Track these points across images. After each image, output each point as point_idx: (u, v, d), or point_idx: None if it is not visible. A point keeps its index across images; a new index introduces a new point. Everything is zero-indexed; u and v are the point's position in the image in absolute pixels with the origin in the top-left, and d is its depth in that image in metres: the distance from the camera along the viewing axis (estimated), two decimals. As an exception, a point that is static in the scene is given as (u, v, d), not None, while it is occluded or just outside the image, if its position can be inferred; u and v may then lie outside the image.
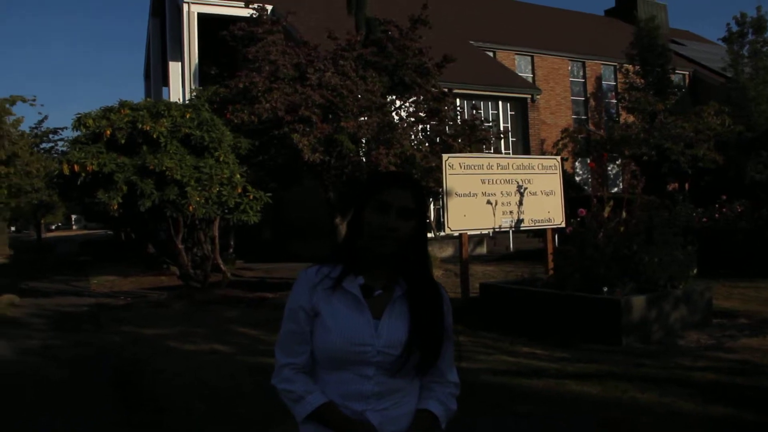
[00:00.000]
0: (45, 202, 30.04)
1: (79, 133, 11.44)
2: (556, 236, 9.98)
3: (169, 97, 24.58)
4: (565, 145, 21.55)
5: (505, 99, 23.11)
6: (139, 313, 10.70)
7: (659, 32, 25.95)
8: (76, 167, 10.57)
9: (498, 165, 9.38)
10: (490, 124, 17.84)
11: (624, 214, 8.12)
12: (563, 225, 9.59)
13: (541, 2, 35.18)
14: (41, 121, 29.49)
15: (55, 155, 27.53)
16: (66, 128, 39.56)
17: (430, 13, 13.87)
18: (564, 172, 10.47)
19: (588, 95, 28.18)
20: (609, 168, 25.67)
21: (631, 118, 24.05)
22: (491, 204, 9.07)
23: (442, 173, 8.97)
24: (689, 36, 37.33)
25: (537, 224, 9.69)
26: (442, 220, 9.47)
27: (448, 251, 16.19)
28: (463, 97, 20.21)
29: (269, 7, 15.32)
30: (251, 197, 11.66)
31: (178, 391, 5.90)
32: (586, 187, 24.77)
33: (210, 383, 6.07)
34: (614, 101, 28.07)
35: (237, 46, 14.37)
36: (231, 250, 19.16)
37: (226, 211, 11.53)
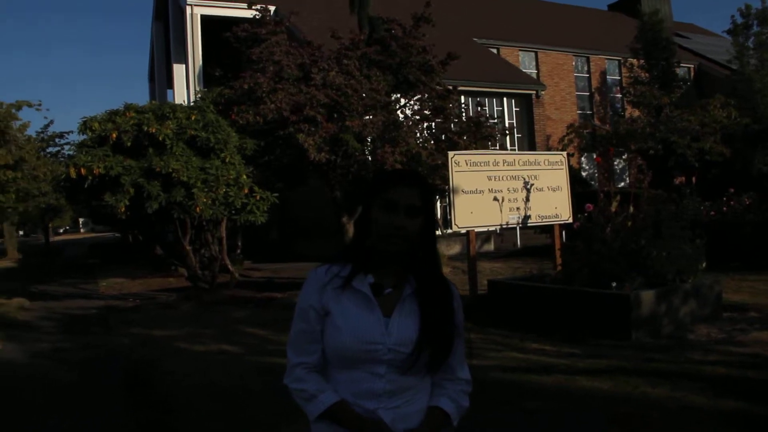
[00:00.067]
0: (52, 205, 30.19)
1: (85, 136, 11.48)
2: (564, 232, 9.94)
3: (174, 100, 24.64)
4: (571, 141, 21.47)
5: (509, 95, 23.08)
6: (147, 315, 10.73)
7: (663, 26, 25.83)
8: (82, 171, 10.60)
9: (504, 161, 9.36)
10: (495, 120, 17.80)
11: (631, 209, 8.09)
12: (570, 220, 9.56)
13: (545, -2, 35.10)
14: (47, 126, 29.65)
15: (62, 159, 27.66)
16: (72, 132, 39.67)
17: (433, 10, 13.87)
18: (570, 167, 10.43)
19: (593, 90, 28.10)
20: (615, 163, 25.57)
21: (636, 113, 23.95)
22: (498, 201, 9.05)
23: (448, 171, 8.97)
24: (693, 29, 37.17)
25: (544, 220, 9.66)
26: (449, 217, 9.45)
27: (456, 248, 16.18)
28: (467, 94, 20.17)
29: (272, 8, 15.35)
30: (258, 198, 11.68)
31: (188, 392, 5.92)
32: (592, 182, 24.69)
33: (219, 384, 6.08)
34: (619, 96, 27.99)
35: (241, 48, 14.39)
36: (238, 251, 19.17)
37: (233, 211, 11.55)
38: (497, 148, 15.80)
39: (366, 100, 12.31)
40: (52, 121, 43.84)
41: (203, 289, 12.54)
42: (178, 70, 25.82)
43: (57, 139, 29.89)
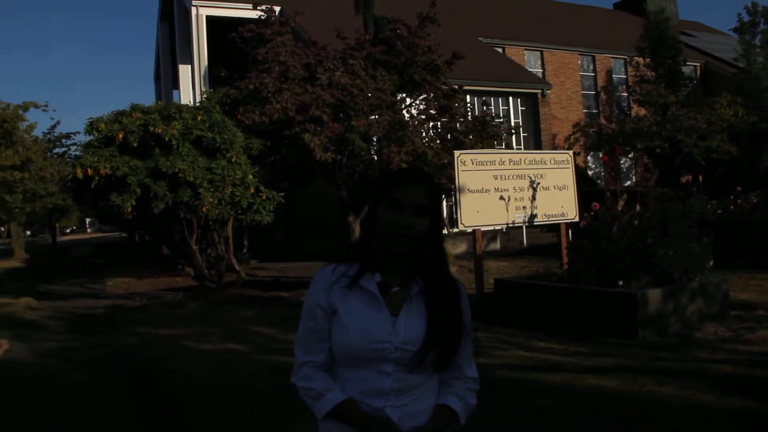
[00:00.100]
0: (59, 206, 30.34)
1: (91, 137, 11.52)
2: (570, 231, 9.93)
3: (180, 100, 24.71)
4: (577, 140, 21.44)
5: (515, 95, 23.06)
6: (154, 314, 10.77)
7: (669, 24, 25.74)
8: (89, 171, 10.65)
9: (510, 160, 9.35)
10: (501, 120, 17.79)
11: (638, 208, 8.08)
12: (577, 219, 9.55)
13: (550, -4, 35.02)
14: (54, 127, 29.85)
15: (69, 159, 27.77)
16: (78, 133, 39.76)
17: (439, 10, 13.86)
18: (576, 166, 10.42)
19: (599, 89, 28.05)
20: (621, 161, 25.50)
21: (642, 111, 23.88)
22: (504, 200, 9.04)
23: (454, 170, 8.97)
24: (700, 27, 37.04)
25: (550, 219, 9.65)
26: (455, 216, 9.47)
27: (462, 248, 16.16)
28: (473, 93, 20.14)
29: (277, 9, 15.35)
30: (264, 197, 11.71)
31: (195, 391, 5.93)
32: (599, 181, 24.64)
33: (227, 383, 6.09)
34: (625, 94, 27.90)
35: (246, 48, 14.40)
36: (245, 250, 19.19)
37: (240, 211, 11.58)
38: (503, 147, 15.77)
39: (372, 99, 12.32)
40: (58, 122, 44.25)
41: (210, 289, 12.57)
42: (184, 70, 25.89)
43: (63, 140, 30.07)
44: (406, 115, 13.58)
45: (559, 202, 9.60)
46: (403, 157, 12.02)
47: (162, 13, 29.47)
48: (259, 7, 14.52)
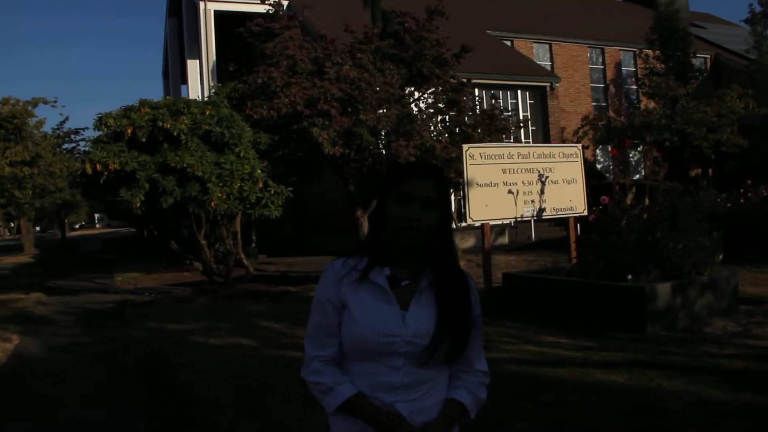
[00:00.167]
0: (68, 201, 30.52)
1: (100, 132, 11.55)
2: (579, 225, 9.90)
3: (188, 95, 24.77)
4: (586, 133, 21.36)
5: (524, 88, 22.97)
6: (163, 309, 10.81)
7: (679, 16, 25.54)
8: (98, 166, 10.67)
9: (519, 154, 9.33)
10: (510, 113, 17.73)
11: (647, 201, 8.05)
12: (585, 213, 9.52)
13: (558, -11, 34.83)
14: (63, 122, 30.07)
15: (78, 155, 27.92)
16: (87, 128, 39.95)
17: (446, 3, 13.80)
18: (585, 159, 10.38)
19: (608, 82, 27.88)
20: (630, 155, 25.37)
21: (651, 104, 23.72)
22: (512, 193, 9.02)
23: (462, 164, 8.94)
24: (710, 19, 36.75)
25: (559, 213, 9.63)
26: (463, 210, 9.44)
27: (470, 242, 16.15)
28: (481, 87, 20.08)
29: (285, 3, 15.34)
30: (272, 192, 11.71)
31: (204, 385, 5.96)
32: (607, 175, 24.54)
33: (235, 377, 6.11)
34: (634, 87, 27.73)
35: (254, 43, 14.38)
36: (253, 245, 19.27)
37: (248, 206, 11.59)
38: (511, 140, 15.74)
39: (380, 93, 12.29)
40: (67, 118, 44.39)
41: (218, 283, 12.61)
42: (192, 65, 25.94)
43: (72, 136, 30.20)
44: (415, 109, 13.55)
45: (568, 195, 9.57)
46: (411, 151, 11.99)
47: (170, 9, 29.50)
48: (267, 2, 14.49)
